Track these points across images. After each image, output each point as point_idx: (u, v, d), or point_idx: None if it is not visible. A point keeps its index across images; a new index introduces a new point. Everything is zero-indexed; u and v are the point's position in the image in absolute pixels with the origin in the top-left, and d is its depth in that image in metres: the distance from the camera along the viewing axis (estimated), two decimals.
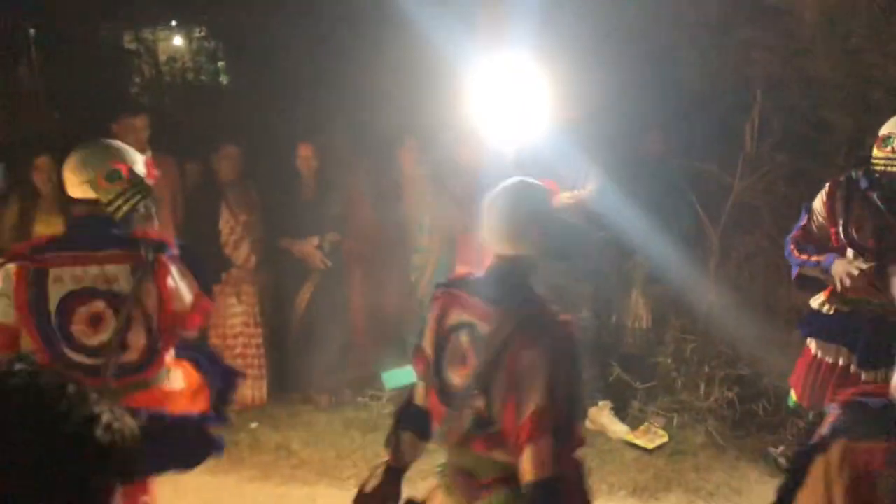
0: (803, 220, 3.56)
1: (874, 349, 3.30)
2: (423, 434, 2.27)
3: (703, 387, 4.61)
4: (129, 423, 0.89)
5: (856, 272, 3.26)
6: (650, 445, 4.43)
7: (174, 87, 8.25)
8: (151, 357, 2.56)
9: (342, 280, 5.15)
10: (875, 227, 3.29)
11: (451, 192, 4.98)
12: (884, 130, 3.25)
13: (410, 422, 2.28)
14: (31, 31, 7.46)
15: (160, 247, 2.59)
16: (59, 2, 7.02)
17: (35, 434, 0.82)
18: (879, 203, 3.29)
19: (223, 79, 8.45)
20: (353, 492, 2.19)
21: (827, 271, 3.41)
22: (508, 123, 4.59)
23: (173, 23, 8.99)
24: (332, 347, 4.99)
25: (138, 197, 2.63)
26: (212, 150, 5.10)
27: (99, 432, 0.86)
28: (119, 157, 2.66)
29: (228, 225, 5.00)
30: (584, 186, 4.71)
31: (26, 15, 7.22)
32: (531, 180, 2.14)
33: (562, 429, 1.88)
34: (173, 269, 2.62)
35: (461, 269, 5.02)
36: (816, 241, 3.52)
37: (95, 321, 2.50)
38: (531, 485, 1.85)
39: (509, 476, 1.95)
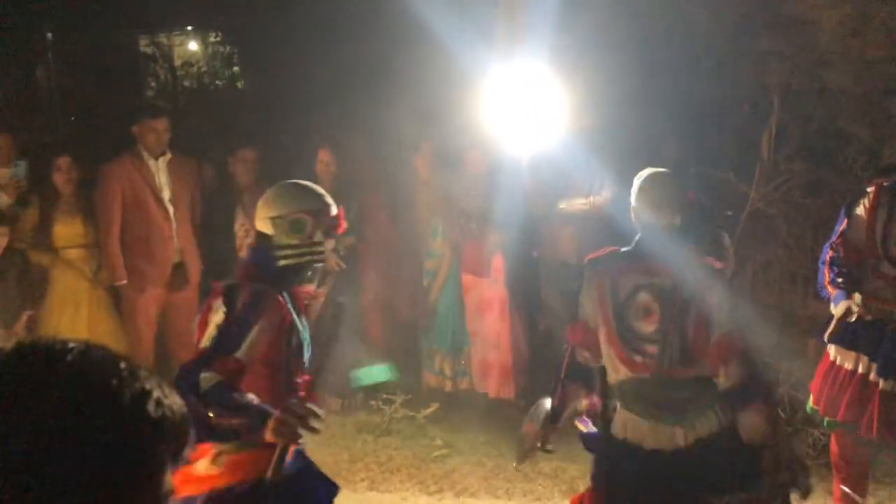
0: (842, 225, 3.42)
1: (895, 358, 3.26)
2: (588, 385, 2.76)
3: None
4: (177, 400, 0.91)
5: (854, 308, 3.25)
6: None
7: (190, 91, 8.32)
8: None
9: (357, 283, 5.17)
10: None
11: (459, 198, 4.98)
12: None
13: (578, 375, 2.76)
14: (49, 35, 7.55)
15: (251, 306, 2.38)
16: (76, 6, 7.11)
17: (90, 408, 0.83)
18: None
19: (239, 83, 8.52)
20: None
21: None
22: (524, 130, 4.61)
23: (189, 28, 9.08)
24: (345, 351, 4.99)
25: (308, 259, 2.54)
26: (228, 153, 5.13)
27: (151, 407, 0.86)
28: (309, 206, 2.55)
29: (244, 228, 5.03)
30: (599, 193, 4.72)
31: (43, 19, 7.31)
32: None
33: (743, 341, 2.56)
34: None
35: (466, 276, 5.02)
36: (856, 255, 3.40)
37: None
38: (741, 379, 2.50)
39: (703, 390, 2.54)
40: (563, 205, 4.78)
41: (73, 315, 4.70)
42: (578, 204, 4.75)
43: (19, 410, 0.82)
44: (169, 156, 4.82)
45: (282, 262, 2.50)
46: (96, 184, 4.76)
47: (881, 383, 3.31)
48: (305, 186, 2.62)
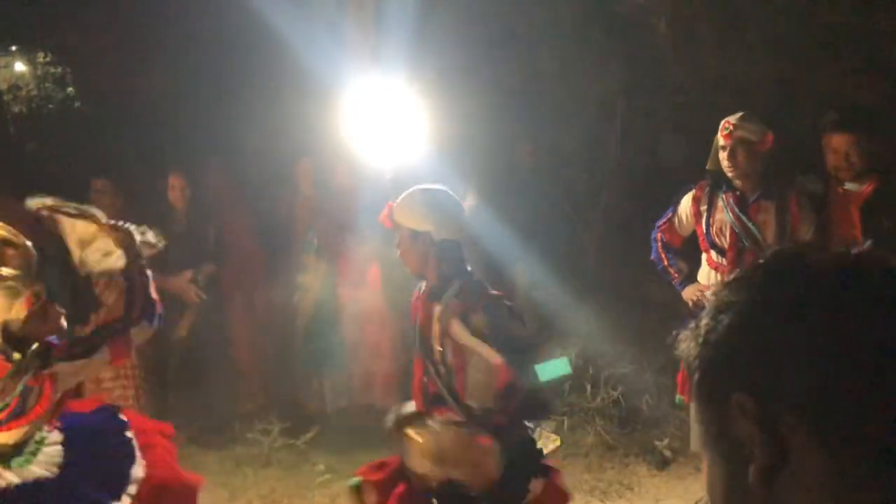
0: (669, 214, 3.71)
1: None
2: None
3: (589, 388, 4.75)
4: None
5: (705, 295, 3.46)
6: (544, 451, 4.52)
7: (21, 117, 7.73)
8: None
9: (222, 312, 4.98)
10: (732, 229, 3.47)
11: (331, 213, 4.93)
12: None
13: None
14: None
15: None
16: None
17: None
18: (734, 206, 3.47)
19: (76, 106, 8.00)
20: None
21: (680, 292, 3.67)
22: (385, 143, 4.59)
23: (13, 48, 8.42)
24: (218, 383, 4.81)
25: None
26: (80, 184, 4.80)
27: None
28: None
29: None
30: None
31: None
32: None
33: None
34: None
35: (343, 289, 4.97)
36: (680, 240, 3.71)
37: None
38: None
39: None
40: None
41: None
42: None
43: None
44: None
45: None
46: None
47: None
48: None
